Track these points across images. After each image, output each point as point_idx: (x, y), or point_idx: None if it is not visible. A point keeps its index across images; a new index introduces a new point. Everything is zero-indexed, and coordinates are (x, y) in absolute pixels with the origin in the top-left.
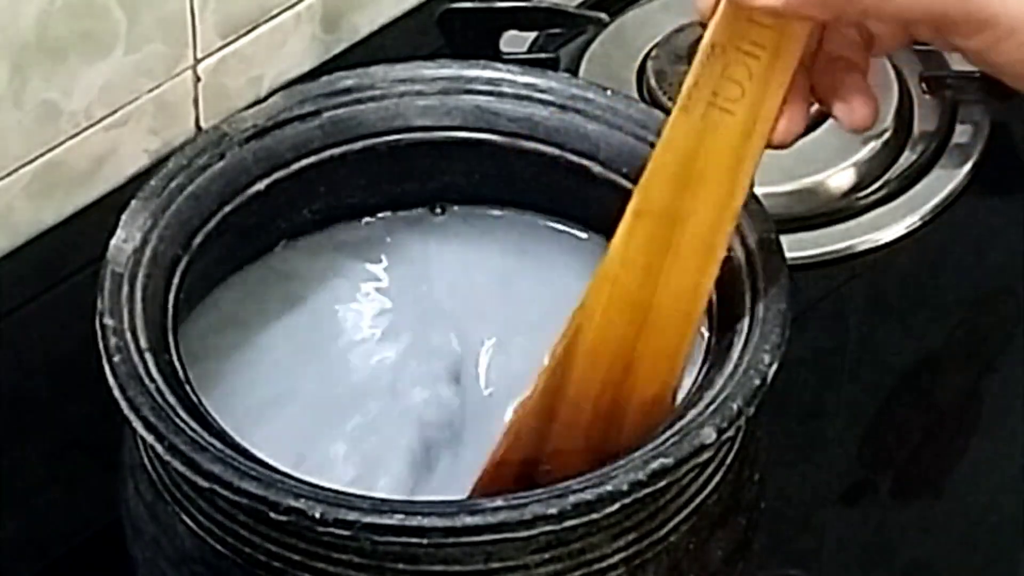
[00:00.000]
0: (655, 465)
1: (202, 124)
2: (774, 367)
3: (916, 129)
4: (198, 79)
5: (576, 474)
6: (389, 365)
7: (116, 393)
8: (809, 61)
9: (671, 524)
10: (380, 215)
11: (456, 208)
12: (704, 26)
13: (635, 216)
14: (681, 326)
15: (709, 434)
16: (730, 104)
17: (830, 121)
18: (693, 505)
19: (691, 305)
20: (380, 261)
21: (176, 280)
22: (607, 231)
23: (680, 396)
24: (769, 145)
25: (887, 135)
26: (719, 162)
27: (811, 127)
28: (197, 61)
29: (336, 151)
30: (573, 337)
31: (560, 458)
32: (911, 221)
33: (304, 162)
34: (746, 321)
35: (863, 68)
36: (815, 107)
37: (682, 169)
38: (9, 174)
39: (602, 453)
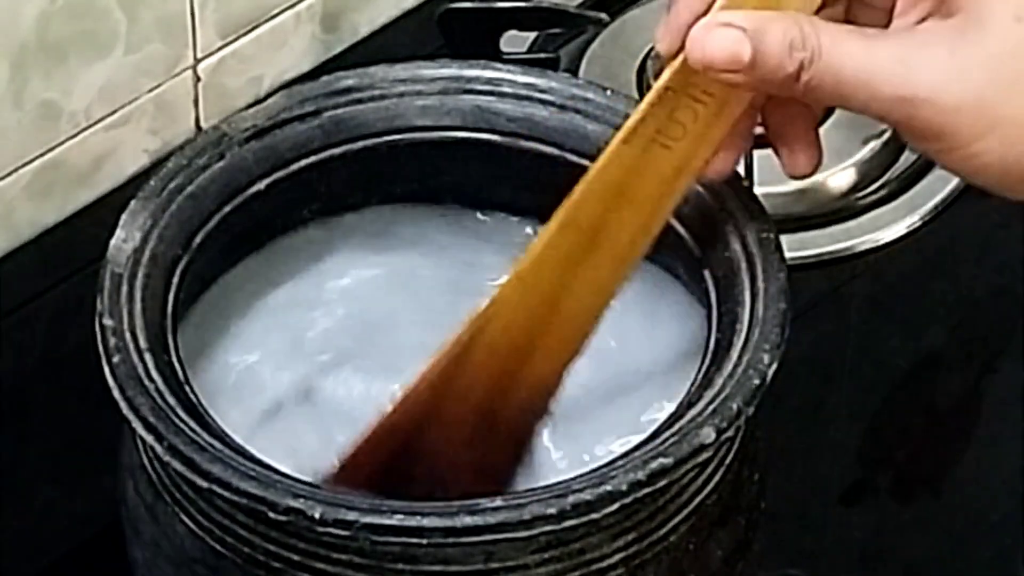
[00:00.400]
0: (655, 465)
1: (202, 124)
2: (774, 367)
3: None
4: (198, 79)
5: (452, 458)
6: (388, 364)
7: (116, 393)
8: (760, 101)
9: (671, 524)
10: (380, 214)
11: (456, 208)
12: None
13: (560, 228)
14: (581, 328)
15: (709, 434)
16: (671, 142)
17: (830, 121)
18: (693, 505)
19: (595, 311)
20: (380, 261)
21: (176, 280)
22: None
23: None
24: (701, 176)
25: (887, 135)
26: (649, 190)
27: None
28: (197, 61)
29: (336, 151)
30: (481, 327)
31: (439, 440)
32: (911, 221)
33: (304, 162)
34: (746, 321)
35: (815, 115)
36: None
37: (613, 194)
38: (9, 174)
39: (479, 440)
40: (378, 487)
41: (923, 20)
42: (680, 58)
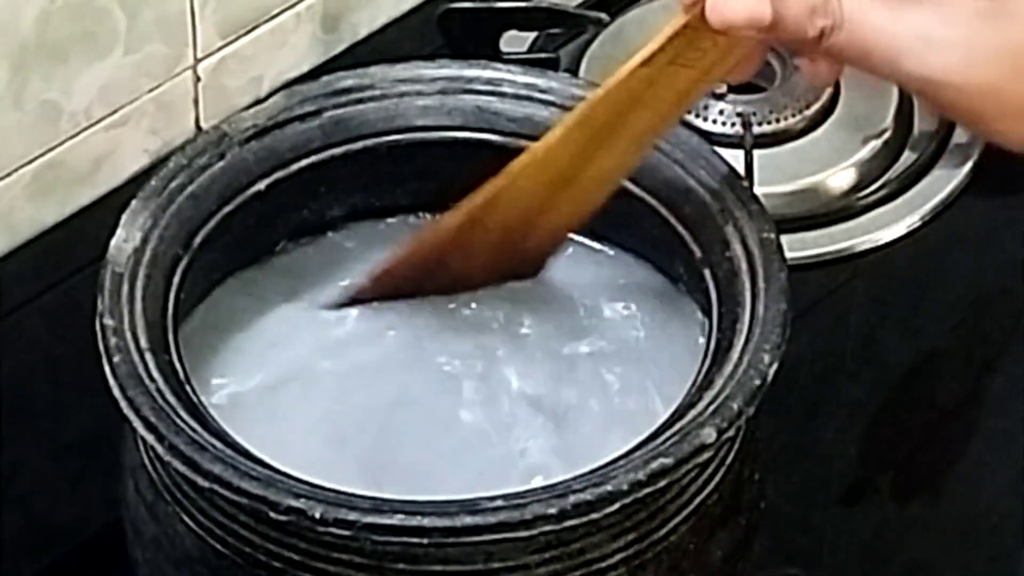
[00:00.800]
0: (655, 465)
1: (202, 124)
2: (774, 367)
3: (916, 129)
4: (198, 79)
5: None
6: (387, 364)
7: (116, 393)
8: None
9: (671, 524)
10: (379, 215)
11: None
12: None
13: (579, 124)
14: (593, 197)
15: (709, 434)
16: (690, 62)
17: (830, 121)
18: (693, 505)
19: (606, 185)
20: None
21: (176, 280)
22: (606, 231)
23: None
24: (723, 79)
25: (887, 135)
26: (666, 97)
27: (810, 127)
28: (197, 61)
29: (336, 151)
30: (503, 185)
31: (458, 264)
32: (911, 221)
33: (304, 162)
34: (746, 321)
35: None
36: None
37: (633, 98)
38: (9, 174)
39: (494, 267)
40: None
41: None
42: (700, 4)
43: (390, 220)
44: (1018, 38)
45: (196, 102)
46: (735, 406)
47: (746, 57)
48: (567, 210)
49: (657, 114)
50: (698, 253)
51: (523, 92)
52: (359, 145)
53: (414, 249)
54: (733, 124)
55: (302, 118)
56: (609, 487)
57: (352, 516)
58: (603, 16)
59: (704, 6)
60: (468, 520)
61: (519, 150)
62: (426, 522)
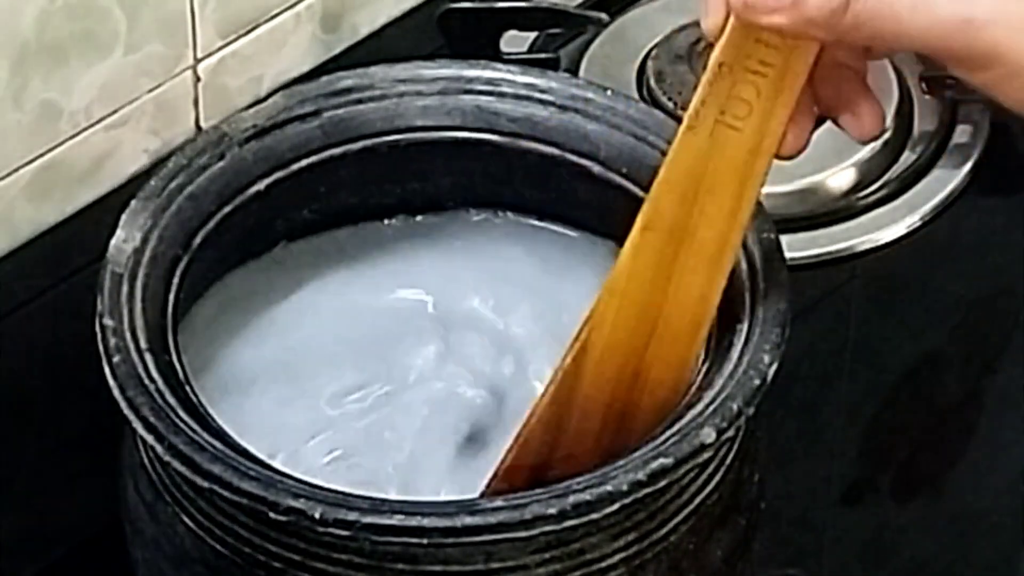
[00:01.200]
0: (655, 465)
1: (202, 124)
2: (774, 367)
3: (916, 129)
4: (198, 79)
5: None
6: (385, 363)
7: (116, 393)
8: (811, 71)
9: (671, 524)
10: (380, 214)
11: (456, 208)
12: (710, 43)
13: (643, 231)
14: (689, 335)
15: (709, 434)
16: (737, 122)
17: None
18: (693, 505)
19: (699, 315)
20: (378, 260)
21: (176, 280)
22: (607, 231)
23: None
24: (777, 157)
25: (887, 135)
26: (726, 177)
27: None
28: (197, 61)
29: (336, 151)
30: (582, 348)
31: (570, 463)
32: (911, 221)
33: (304, 162)
34: (746, 321)
35: (862, 72)
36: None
37: (690, 185)
38: (9, 174)
39: (613, 459)
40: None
41: None
42: (729, 28)
43: (390, 220)
44: None
45: (196, 102)
46: (735, 406)
47: (793, 123)
48: (664, 357)
49: (724, 202)
50: None
51: (523, 92)
52: (359, 145)
53: (513, 460)
54: None
55: (302, 118)
56: (609, 487)
57: (352, 516)
58: (603, 16)
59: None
60: (468, 520)
61: (519, 150)
62: (426, 522)
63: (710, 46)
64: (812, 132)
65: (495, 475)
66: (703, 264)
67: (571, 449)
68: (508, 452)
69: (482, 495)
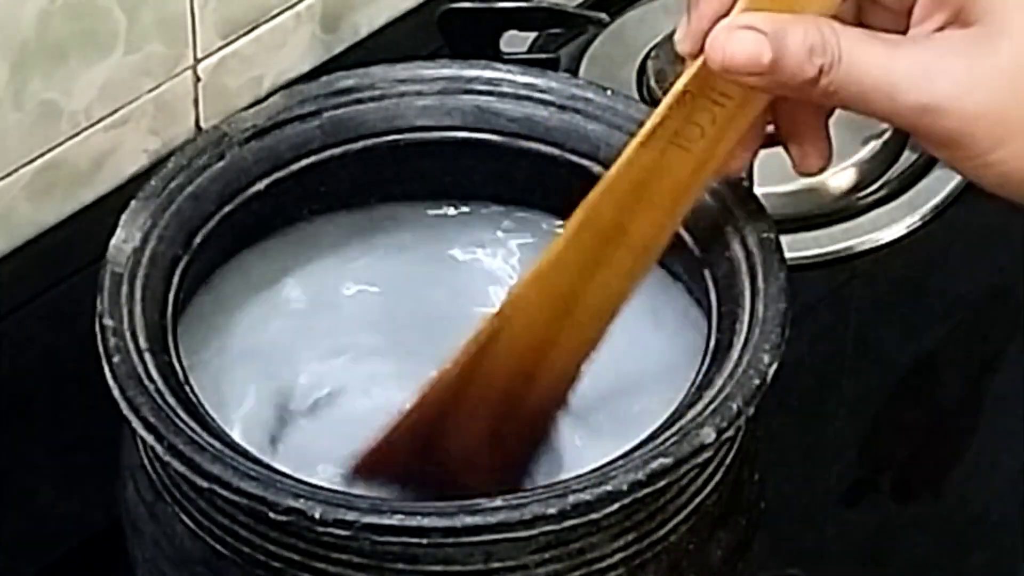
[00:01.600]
0: (655, 465)
1: (202, 124)
2: (774, 367)
3: None
4: (198, 79)
5: (471, 453)
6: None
7: (116, 393)
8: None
9: (671, 524)
10: (378, 214)
11: (456, 208)
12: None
13: (579, 228)
14: (599, 324)
15: (709, 434)
16: (689, 144)
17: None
18: (693, 505)
19: (612, 307)
20: (377, 261)
21: (176, 280)
22: None
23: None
24: (716, 174)
25: (887, 135)
26: (667, 192)
27: None
28: (197, 61)
29: (336, 151)
30: (499, 326)
31: (459, 434)
32: (911, 221)
33: (304, 162)
34: (746, 321)
35: (825, 110)
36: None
37: (631, 193)
38: (9, 174)
39: (498, 434)
40: (395, 484)
41: (941, 28)
42: (700, 61)
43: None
44: (1014, 58)
45: (196, 102)
46: (735, 406)
47: (738, 146)
48: (569, 347)
49: (656, 217)
50: (697, 253)
51: (523, 92)
52: (359, 145)
53: (400, 424)
54: None
55: (302, 118)
56: (609, 487)
57: (351, 516)
58: (603, 16)
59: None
60: (468, 520)
61: (519, 150)
62: (425, 522)
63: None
64: (755, 155)
65: (380, 439)
66: (629, 261)
67: (460, 425)
68: (401, 418)
69: (359, 462)
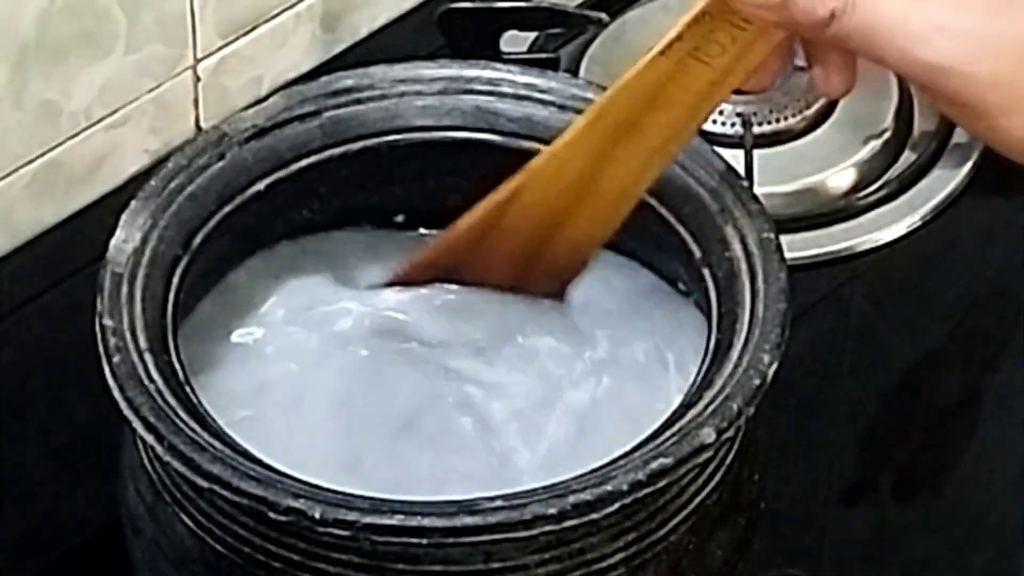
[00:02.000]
0: (655, 465)
1: (202, 124)
2: (774, 367)
3: (916, 129)
4: (198, 79)
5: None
6: (384, 363)
7: (116, 393)
8: None
9: (671, 524)
10: (378, 215)
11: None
12: None
13: (595, 119)
14: (613, 210)
15: (709, 434)
16: (708, 58)
17: (830, 121)
18: (693, 505)
19: (628, 194)
20: (377, 259)
21: (176, 280)
22: None
23: None
24: (740, 91)
25: (887, 135)
26: (684, 97)
27: (810, 127)
28: (197, 61)
29: (336, 151)
30: (517, 187)
31: (480, 265)
32: (911, 221)
33: (304, 162)
34: (746, 321)
35: None
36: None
37: (647, 96)
38: (9, 174)
39: (517, 275)
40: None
41: None
42: None
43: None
44: None
45: (196, 102)
46: (735, 406)
47: (762, 65)
48: (585, 225)
49: (674, 118)
50: (697, 253)
51: (523, 92)
52: (359, 145)
53: (428, 254)
54: (733, 124)
55: (302, 118)
56: (609, 487)
57: (351, 516)
58: (603, 16)
59: None
60: (468, 520)
61: (519, 150)
62: (426, 522)
63: None
64: (780, 74)
65: (412, 259)
66: (645, 153)
67: (484, 262)
68: (430, 246)
69: (396, 273)
